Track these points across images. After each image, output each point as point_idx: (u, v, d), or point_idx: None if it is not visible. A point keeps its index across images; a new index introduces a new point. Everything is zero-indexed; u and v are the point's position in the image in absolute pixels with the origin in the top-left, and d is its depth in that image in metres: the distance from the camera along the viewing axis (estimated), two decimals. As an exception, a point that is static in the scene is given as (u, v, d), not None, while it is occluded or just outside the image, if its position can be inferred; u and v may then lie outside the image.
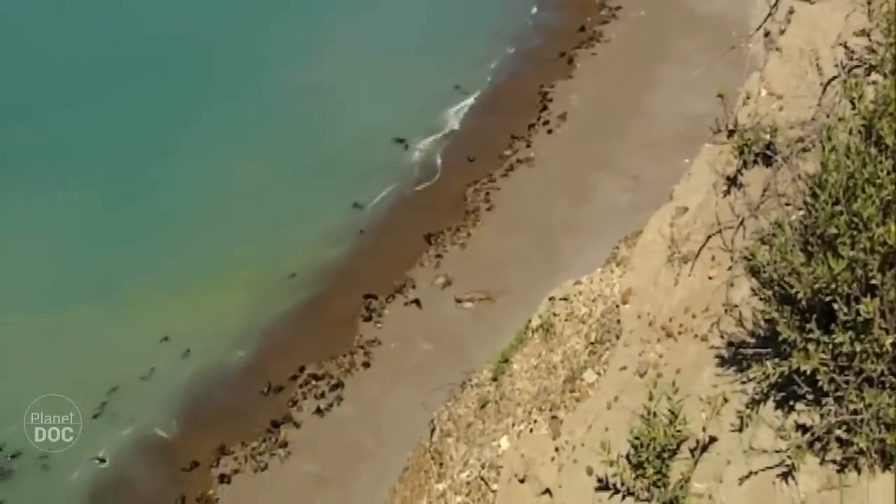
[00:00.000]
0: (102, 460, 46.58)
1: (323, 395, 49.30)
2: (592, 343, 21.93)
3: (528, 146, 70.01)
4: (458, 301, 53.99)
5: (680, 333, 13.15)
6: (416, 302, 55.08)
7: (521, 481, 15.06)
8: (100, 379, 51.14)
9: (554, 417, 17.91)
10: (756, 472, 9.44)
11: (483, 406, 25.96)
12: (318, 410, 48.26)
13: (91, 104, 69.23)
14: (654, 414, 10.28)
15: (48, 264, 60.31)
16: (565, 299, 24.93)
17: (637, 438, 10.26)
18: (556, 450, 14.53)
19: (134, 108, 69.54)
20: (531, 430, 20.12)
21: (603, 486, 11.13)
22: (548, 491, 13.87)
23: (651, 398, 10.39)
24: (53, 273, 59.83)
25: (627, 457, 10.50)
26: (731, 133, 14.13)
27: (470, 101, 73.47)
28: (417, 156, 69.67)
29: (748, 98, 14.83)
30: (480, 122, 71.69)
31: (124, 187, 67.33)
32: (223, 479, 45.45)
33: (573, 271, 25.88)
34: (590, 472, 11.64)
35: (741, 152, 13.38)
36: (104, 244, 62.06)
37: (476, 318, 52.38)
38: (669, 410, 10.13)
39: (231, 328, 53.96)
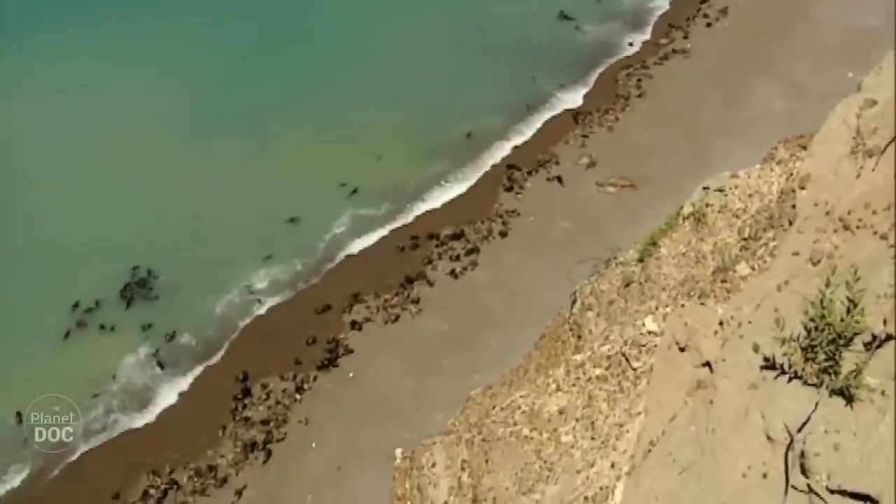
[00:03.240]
0: (259, 301, 48.39)
1: (458, 258, 49.92)
2: (745, 238, 22.07)
3: (686, 37, 68.67)
4: (600, 184, 53.65)
5: (858, 227, 12.90)
6: (559, 179, 54.96)
7: (682, 350, 14.87)
8: (246, 214, 53.14)
9: (703, 305, 18.12)
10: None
11: (627, 285, 26.23)
12: (453, 272, 48.93)
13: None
14: (830, 301, 10.00)
15: (202, 96, 62.38)
16: (720, 191, 24.86)
17: (812, 321, 10.07)
18: (721, 324, 14.36)
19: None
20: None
21: (769, 365, 11.10)
22: (707, 364, 14.04)
23: (828, 285, 10.15)
24: (205, 104, 61.86)
25: (797, 339, 10.29)
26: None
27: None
28: (589, 37, 69.42)
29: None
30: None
31: (283, 30, 68.79)
32: (354, 325, 46.62)
33: (719, 171, 25.62)
34: (756, 349, 11.66)
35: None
36: (256, 82, 63.96)
37: (617, 204, 52.01)
38: (848, 299, 9.82)
39: (382, 183, 55.03)
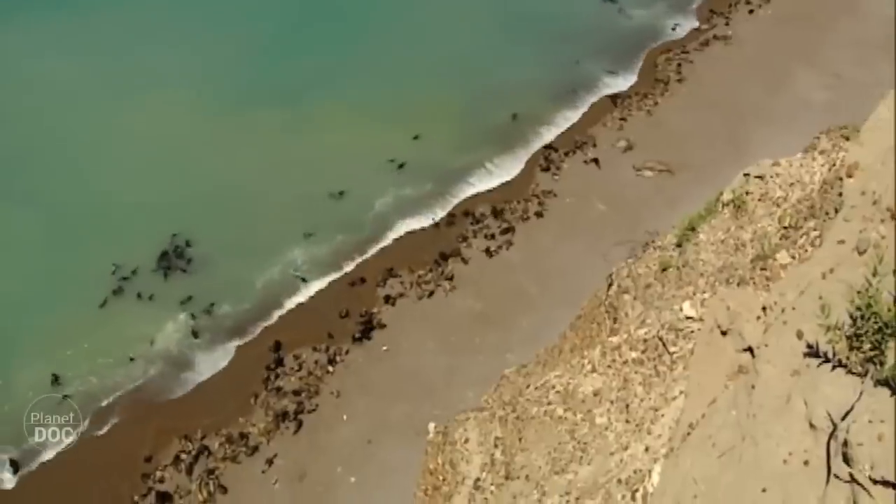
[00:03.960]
0: (303, 279, 48.51)
1: (493, 236, 50.02)
2: (786, 227, 22.03)
3: (727, 23, 68.27)
4: (637, 168, 53.57)
5: (906, 217, 12.56)
6: (596, 161, 54.92)
7: (724, 333, 14.87)
8: (285, 187, 53.30)
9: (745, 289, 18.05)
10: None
11: (664, 270, 26.22)
12: (487, 251, 49.03)
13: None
14: (877, 290, 9.89)
15: (240, 65, 62.63)
16: (761, 178, 24.78)
17: (858, 309, 9.96)
18: (764, 309, 14.35)
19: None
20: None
21: (813, 352, 11.00)
22: (749, 349, 14.05)
23: (875, 274, 10.06)
24: (244, 74, 62.08)
25: (842, 328, 10.09)
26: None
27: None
28: (634, 21, 69.23)
29: None
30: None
31: (324, 1, 69.12)
32: (388, 300, 46.85)
33: (757, 159, 25.49)
34: (800, 335, 11.62)
35: None
36: (296, 54, 64.11)
37: (654, 188, 51.92)
38: (897, 289, 9.66)
39: (426, 163, 55.04)
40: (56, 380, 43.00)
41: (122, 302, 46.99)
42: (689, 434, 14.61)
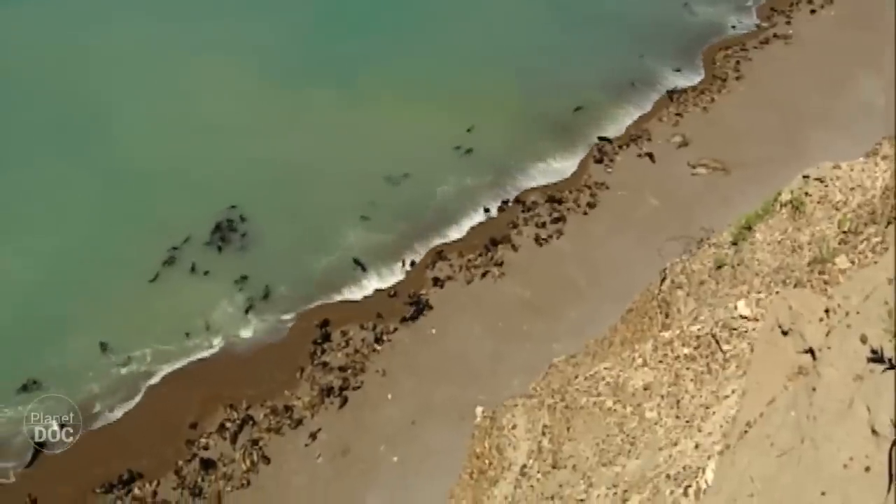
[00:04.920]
0: (363, 268, 48.27)
1: (544, 224, 49.98)
2: (845, 232, 22.01)
3: (788, 23, 67.71)
4: (692, 165, 53.22)
5: (976, 227, 12.58)
6: (650, 155, 54.72)
7: (784, 333, 14.76)
8: (340, 167, 53.58)
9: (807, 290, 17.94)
10: None
11: (719, 267, 26.24)
12: (537, 239, 49.01)
13: None
14: None
15: (295, 40, 63.28)
16: (820, 180, 24.73)
17: None
18: (827, 311, 14.20)
19: None
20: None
21: (877, 357, 10.91)
22: (810, 351, 14.09)
23: None
24: (299, 50, 62.72)
25: None
26: None
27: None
28: (698, 17, 68.76)
29: None
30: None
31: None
32: (436, 282, 47.12)
33: (815, 161, 25.39)
34: (864, 340, 11.47)
35: None
36: (351, 32, 64.52)
37: (707, 186, 51.51)
38: (966, 299, 9.40)
39: (484, 152, 55.10)
40: (105, 347, 43.71)
41: (175, 272, 47.61)
42: (746, 432, 14.58)
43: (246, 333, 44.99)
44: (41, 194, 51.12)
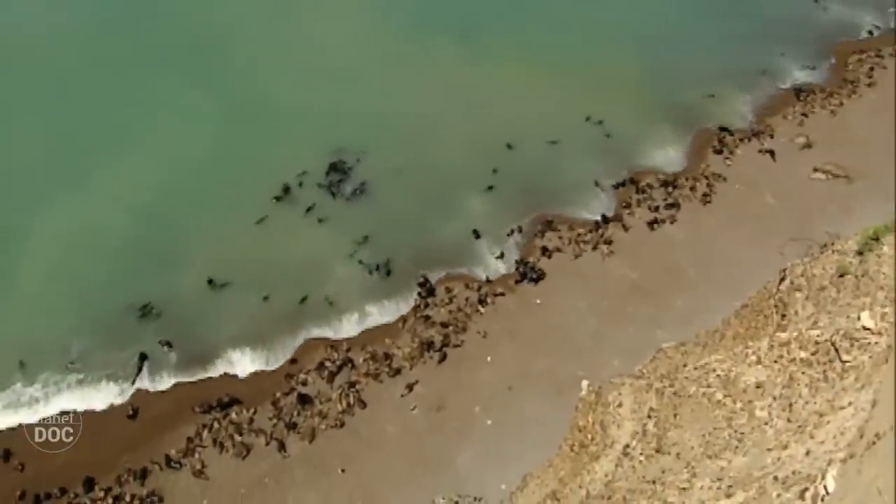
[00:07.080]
0: (477, 235, 48.25)
1: (657, 209, 49.83)
2: (979, 255, 21.87)
3: (932, 35, 66.30)
4: (815, 169, 52.13)
5: None
6: (771, 153, 53.90)
7: None
8: (460, 127, 53.90)
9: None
10: None
11: (841, 275, 26.11)
12: (650, 223, 48.91)
13: None
14: None
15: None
16: (957, 203, 24.64)
17: None
18: None
19: None
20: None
21: None
22: None
23: None
24: (424, 5, 63.34)
25: None
26: None
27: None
28: (830, 14, 67.48)
29: None
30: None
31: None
32: (545, 251, 47.34)
33: None
34: None
35: None
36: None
37: (828, 192, 50.46)
38: None
39: (608, 128, 54.92)
40: (211, 282, 45.13)
41: (288, 209, 49.00)
42: (874, 443, 14.83)
43: (352, 281, 45.87)
44: (163, 119, 52.68)
